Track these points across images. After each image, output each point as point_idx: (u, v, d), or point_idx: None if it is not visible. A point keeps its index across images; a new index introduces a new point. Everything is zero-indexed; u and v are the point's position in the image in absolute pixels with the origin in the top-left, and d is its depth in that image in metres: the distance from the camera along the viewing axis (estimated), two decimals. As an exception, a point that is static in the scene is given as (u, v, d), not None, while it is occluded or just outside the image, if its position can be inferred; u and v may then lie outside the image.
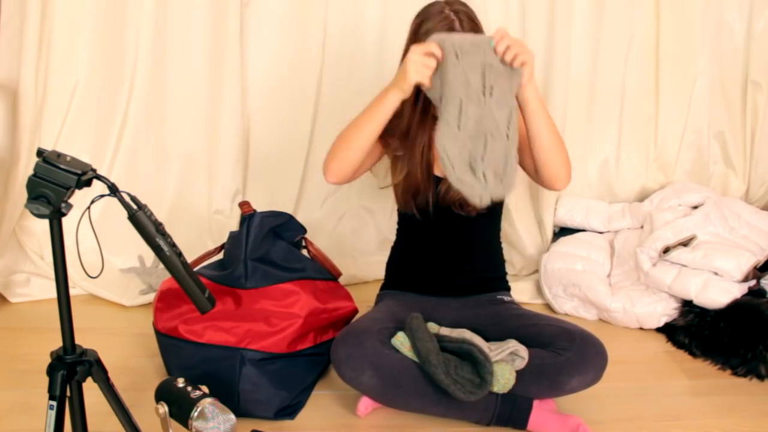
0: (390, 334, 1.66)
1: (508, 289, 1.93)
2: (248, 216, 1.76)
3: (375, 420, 1.67)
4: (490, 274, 1.89)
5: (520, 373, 1.59)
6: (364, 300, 2.00)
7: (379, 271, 2.03)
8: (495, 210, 1.82)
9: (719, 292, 2.00)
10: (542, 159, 1.67)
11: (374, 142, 1.68)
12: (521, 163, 1.70)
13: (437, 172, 1.77)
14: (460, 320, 1.81)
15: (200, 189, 2.33)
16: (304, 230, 1.91)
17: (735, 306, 1.97)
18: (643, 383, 1.85)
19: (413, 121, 1.73)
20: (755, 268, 2.06)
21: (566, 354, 1.59)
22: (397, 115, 1.69)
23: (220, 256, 1.89)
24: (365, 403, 1.67)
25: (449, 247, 1.83)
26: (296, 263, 1.80)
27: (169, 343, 1.72)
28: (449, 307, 1.83)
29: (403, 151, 1.76)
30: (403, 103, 1.64)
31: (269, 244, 1.77)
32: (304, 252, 1.91)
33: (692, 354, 1.99)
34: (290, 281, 1.72)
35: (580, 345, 1.60)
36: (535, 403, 1.61)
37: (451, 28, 1.64)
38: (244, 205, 1.84)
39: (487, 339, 1.74)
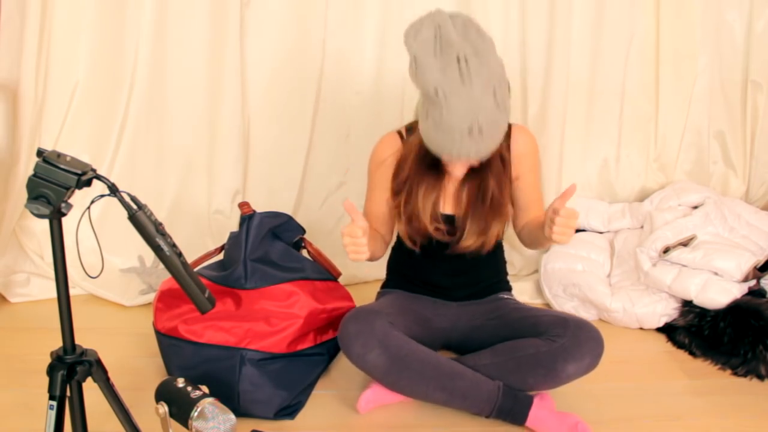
0: (396, 320, 1.66)
1: (510, 289, 1.93)
2: (248, 216, 1.76)
3: (375, 419, 1.67)
4: (493, 279, 1.89)
5: (518, 363, 1.61)
6: (364, 300, 1.99)
7: (379, 271, 2.03)
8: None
9: (719, 292, 2.00)
10: (531, 246, 1.82)
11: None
12: (513, 219, 1.83)
13: (446, 210, 1.76)
14: (460, 317, 1.82)
15: (200, 189, 2.33)
16: (303, 231, 1.91)
17: (735, 306, 1.97)
18: (643, 383, 1.85)
19: (412, 171, 1.73)
20: (755, 268, 2.06)
21: (560, 340, 1.59)
22: (399, 170, 1.76)
23: (221, 256, 1.89)
24: (366, 399, 1.67)
25: (448, 264, 1.82)
26: (295, 263, 1.80)
27: (169, 343, 1.72)
28: (449, 306, 1.84)
29: (405, 197, 1.74)
30: (405, 157, 1.74)
31: (268, 245, 1.77)
32: (304, 252, 1.91)
33: (692, 354, 1.99)
34: (290, 281, 1.72)
35: (574, 330, 1.60)
36: (535, 400, 1.62)
37: None
38: (243, 205, 1.84)
39: (486, 333, 1.75)
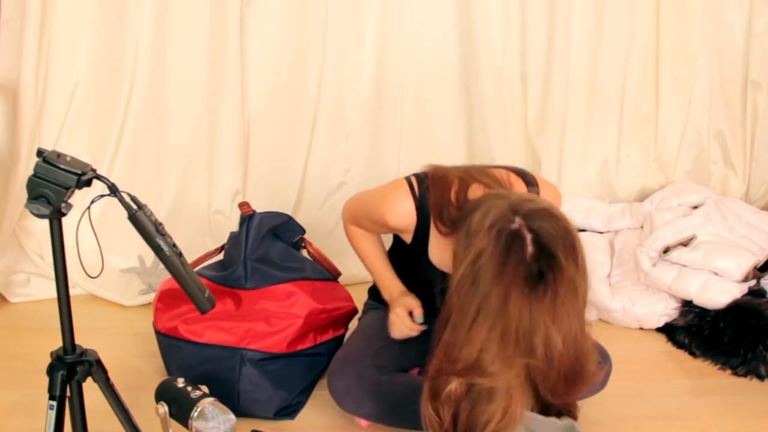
0: (385, 354, 1.63)
1: None
2: (248, 216, 1.76)
3: (375, 420, 1.67)
4: None
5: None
6: (364, 300, 2.00)
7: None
8: None
9: (719, 292, 2.00)
10: None
11: None
12: None
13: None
14: None
15: (200, 189, 2.33)
16: (303, 231, 1.91)
17: (735, 306, 1.97)
18: (643, 383, 1.85)
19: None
20: (755, 268, 2.06)
21: None
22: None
23: (221, 256, 1.89)
24: None
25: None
26: (295, 263, 1.80)
27: (169, 343, 1.72)
28: None
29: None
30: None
31: (268, 245, 1.77)
32: (304, 252, 1.91)
33: (692, 354, 1.99)
34: (290, 281, 1.73)
35: None
36: None
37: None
38: (243, 205, 1.84)
39: None
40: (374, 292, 1.92)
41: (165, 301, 1.74)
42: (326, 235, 2.42)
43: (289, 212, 2.33)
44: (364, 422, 1.66)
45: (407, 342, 1.67)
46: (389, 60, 2.31)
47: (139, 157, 2.27)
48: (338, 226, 2.43)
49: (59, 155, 1.08)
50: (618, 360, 1.83)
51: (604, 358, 1.63)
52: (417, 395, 1.54)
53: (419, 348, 1.73)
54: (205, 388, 1.22)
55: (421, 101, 2.36)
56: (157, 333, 1.75)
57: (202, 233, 2.34)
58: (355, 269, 2.39)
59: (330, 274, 1.88)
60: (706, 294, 2.01)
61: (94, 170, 1.11)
